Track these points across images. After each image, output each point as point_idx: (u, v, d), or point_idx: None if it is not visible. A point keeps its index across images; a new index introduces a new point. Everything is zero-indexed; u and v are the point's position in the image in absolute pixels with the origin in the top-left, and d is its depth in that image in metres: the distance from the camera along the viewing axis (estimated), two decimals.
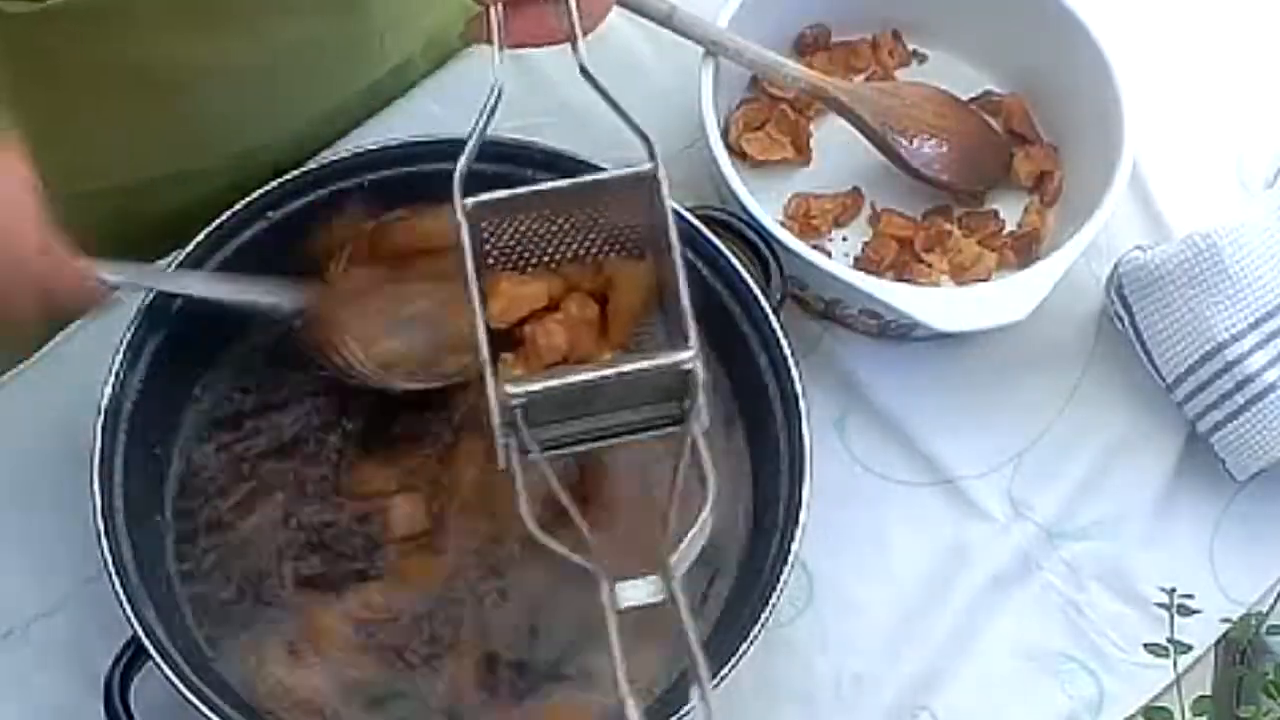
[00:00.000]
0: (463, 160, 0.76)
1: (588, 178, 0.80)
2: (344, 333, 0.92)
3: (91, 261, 0.84)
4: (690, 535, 0.73)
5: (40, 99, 0.90)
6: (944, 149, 1.04)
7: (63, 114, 0.93)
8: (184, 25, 0.92)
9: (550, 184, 0.79)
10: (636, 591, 0.72)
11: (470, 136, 0.77)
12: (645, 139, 0.77)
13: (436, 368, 0.92)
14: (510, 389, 0.73)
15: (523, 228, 0.79)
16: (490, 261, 0.80)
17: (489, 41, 0.79)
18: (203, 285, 0.92)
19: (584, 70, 0.77)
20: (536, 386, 0.73)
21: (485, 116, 0.77)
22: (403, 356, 0.92)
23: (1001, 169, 1.06)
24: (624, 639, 0.68)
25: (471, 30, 0.81)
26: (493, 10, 0.79)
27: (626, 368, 0.75)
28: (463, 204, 0.76)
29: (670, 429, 0.77)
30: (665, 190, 0.77)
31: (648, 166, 0.77)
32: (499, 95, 0.77)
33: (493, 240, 0.79)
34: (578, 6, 0.78)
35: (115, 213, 0.97)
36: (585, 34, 0.78)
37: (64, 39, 0.89)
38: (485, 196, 0.77)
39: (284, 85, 1.00)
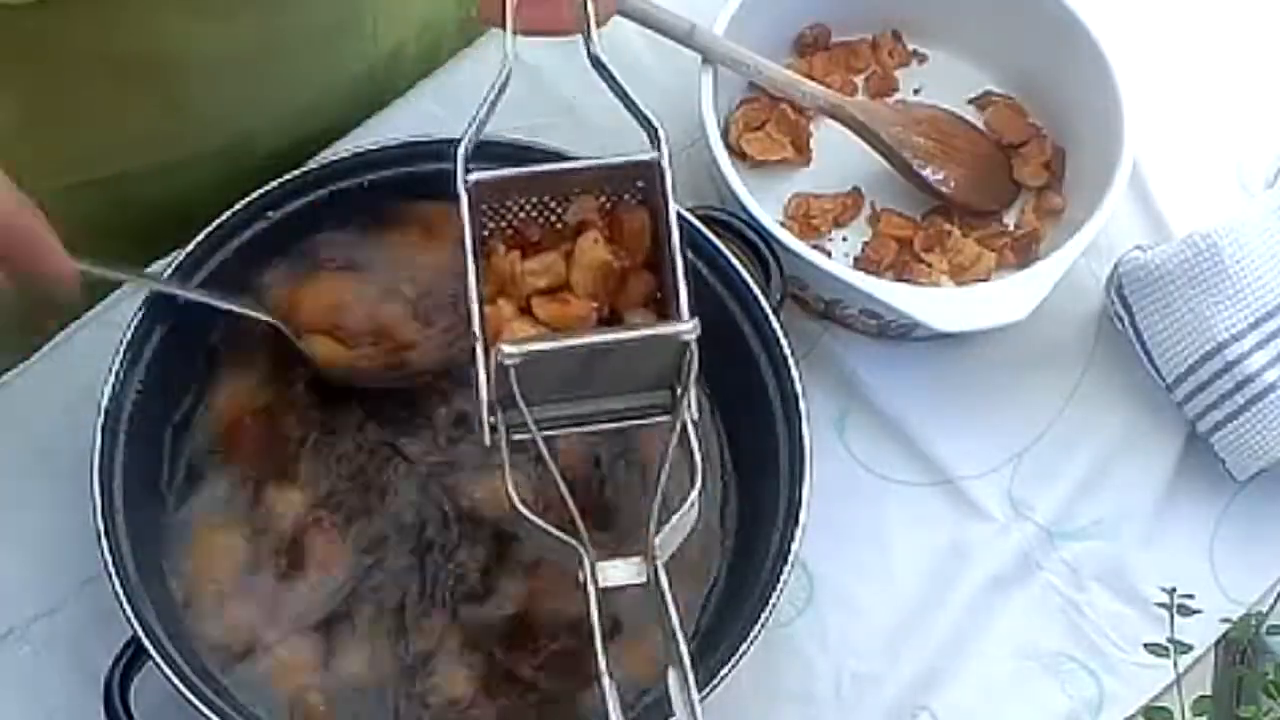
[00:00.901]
0: (469, 134, 0.76)
1: (592, 161, 0.79)
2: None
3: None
4: (676, 518, 0.73)
5: (26, 84, 0.90)
6: (958, 169, 1.04)
7: (50, 99, 0.92)
8: (175, 4, 0.91)
9: (554, 165, 0.79)
10: (619, 572, 0.72)
11: (477, 112, 0.76)
12: (652, 127, 0.76)
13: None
14: (508, 349, 0.71)
15: (524, 209, 0.79)
16: (487, 234, 0.79)
17: (502, 25, 0.78)
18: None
19: (595, 60, 0.77)
20: (537, 346, 0.72)
21: (495, 92, 0.76)
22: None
23: (1013, 184, 1.06)
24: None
25: (485, 11, 0.81)
26: None
27: (627, 334, 0.75)
28: (465, 179, 0.76)
29: (659, 418, 0.77)
30: (669, 180, 0.76)
31: (651, 155, 0.77)
32: (509, 75, 0.76)
33: (494, 219, 0.79)
34: None
35: (103, 208, 0.97)
36: (598, 25, 0.78)
37: (53, 21, 0.89)
38: (488, 175, 0.76)
39: (273, 70, 0.99)
